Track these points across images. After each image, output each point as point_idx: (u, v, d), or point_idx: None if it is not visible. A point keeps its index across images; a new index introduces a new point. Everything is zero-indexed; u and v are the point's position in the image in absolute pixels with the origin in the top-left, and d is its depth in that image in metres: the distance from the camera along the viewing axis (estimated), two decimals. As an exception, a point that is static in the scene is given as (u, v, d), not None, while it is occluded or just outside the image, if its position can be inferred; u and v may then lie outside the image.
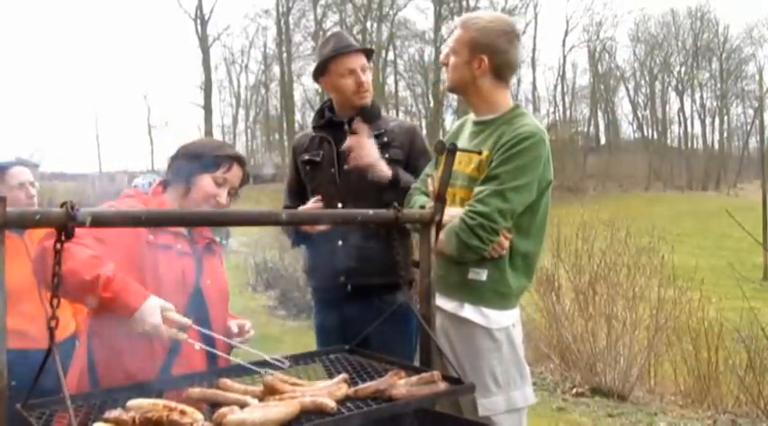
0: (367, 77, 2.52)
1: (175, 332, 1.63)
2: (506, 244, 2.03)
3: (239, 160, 2.01)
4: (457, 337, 2.06)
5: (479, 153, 2.07)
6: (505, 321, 2.08)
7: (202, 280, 1.90)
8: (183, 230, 1.92)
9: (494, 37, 2.07)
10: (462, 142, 2.20)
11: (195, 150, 2.00)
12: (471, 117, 2.25)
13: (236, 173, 2.00)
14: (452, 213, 2.03)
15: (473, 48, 2.07)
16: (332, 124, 2.56)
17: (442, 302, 2.06)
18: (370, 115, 2.51)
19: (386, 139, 2.51)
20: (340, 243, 2.46)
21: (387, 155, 2.46)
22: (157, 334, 1.61)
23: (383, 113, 2.68)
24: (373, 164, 2.37)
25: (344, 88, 2.51)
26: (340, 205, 2.43)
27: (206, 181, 1.94)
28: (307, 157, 2.60)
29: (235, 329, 1.95)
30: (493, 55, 2.07)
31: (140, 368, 1.70)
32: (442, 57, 2.20)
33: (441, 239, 1.99)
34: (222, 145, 2.07)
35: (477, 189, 2.02)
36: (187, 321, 1.65)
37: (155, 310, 1.60)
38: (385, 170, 2.38)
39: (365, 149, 2.37)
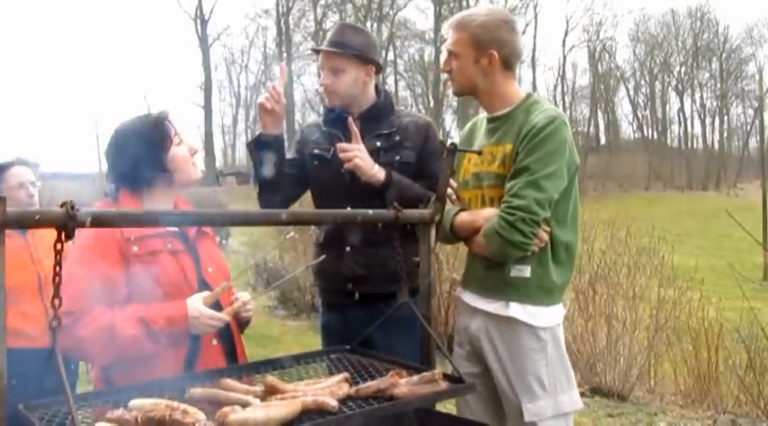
0: (336, 79, 2.38)
1: (231, 308, 1.76)
2: (545, 236, 1.96)
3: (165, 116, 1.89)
4: (501, 339, 2.00)
5: (479, 152, 2.05)
6: (552, 319, 2.01)
7: (204, 271, 1.85)
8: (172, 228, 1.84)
9: (495, 29, 2.02)
10: (479, 141, 2.14)
11: (131, 142, 1.82)
12: (483, 115, 2.19)
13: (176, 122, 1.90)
14: (485, 214, 1.99)
15: (477, 45, 2.02)
16: (341, 119, 2.40)
17: (482, 304, 2.04)
18: (372, 114, 2.44)
19: (397, 138, 2.40)
20: (348, 249, 2.39)
21: (397, 158, 2.37)
22: (222, 322, 1.72)
23: (398, 107, 2.54)
24: (360, 166, 2.25)
25: None
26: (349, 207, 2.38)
27: (177, 151, 1.86)
28: (316, 152, 2.47)
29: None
30: (500, 47, 2.02)
31: (162, 370, 1.65)
32: (442, 65, 2.12)
33: (480, 242, 1.97)
34: (137, 118, 1.89)
35: (508, 184, 1.95)
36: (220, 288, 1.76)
37: (199, 306, 1.69)
38: (371, 174, 2.26)
39: (352, 152, 2.26)
